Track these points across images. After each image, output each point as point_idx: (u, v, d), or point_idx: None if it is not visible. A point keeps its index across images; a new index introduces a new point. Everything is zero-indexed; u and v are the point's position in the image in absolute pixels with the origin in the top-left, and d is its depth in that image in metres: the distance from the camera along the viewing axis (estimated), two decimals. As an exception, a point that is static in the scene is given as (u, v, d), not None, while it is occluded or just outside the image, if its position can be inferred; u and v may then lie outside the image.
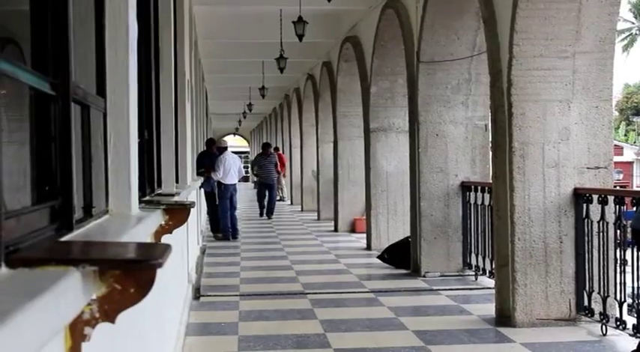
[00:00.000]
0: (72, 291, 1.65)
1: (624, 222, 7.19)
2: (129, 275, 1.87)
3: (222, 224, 16.38)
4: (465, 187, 10.63)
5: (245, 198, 28.26)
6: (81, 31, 2.99)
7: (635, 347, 6.12)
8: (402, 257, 11.45)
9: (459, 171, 10.72)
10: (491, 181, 8.60)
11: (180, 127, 8.40)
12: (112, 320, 1.92)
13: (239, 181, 16.95)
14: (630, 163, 57.39)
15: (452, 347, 6.97)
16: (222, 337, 7.41)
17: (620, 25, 75.49)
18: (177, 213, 4.30)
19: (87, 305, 1.85)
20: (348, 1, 13.68)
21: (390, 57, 13.34)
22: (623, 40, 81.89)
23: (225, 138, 21.74)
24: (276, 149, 24.77)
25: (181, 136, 8.58)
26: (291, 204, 27.65)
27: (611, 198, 7.27)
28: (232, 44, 18.41)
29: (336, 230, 17.72)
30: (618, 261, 7.26)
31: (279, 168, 23.40)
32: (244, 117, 39.34)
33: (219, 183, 16.29)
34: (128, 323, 2.81)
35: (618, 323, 7.06)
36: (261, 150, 23.94)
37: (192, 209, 4.68)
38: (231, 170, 16.24)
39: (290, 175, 28.37)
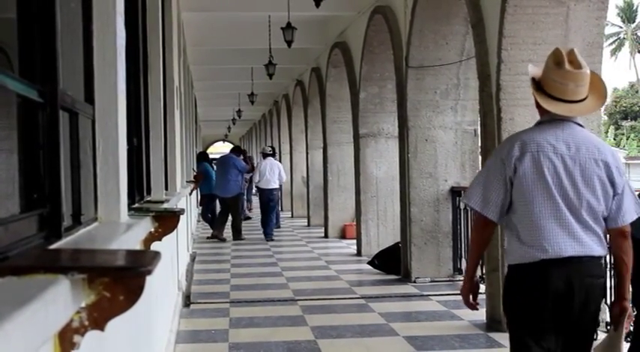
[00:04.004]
0: (61, 299, 1.64)
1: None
2: (118, 283, 1.86)
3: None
4: (455, 192, 10.63)
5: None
6: (69, 37, 2.98)
7: None
8: (392, 262, 11.44)
9: (449, 176, 10.73)
10: (480, 186, 8.59)
11: (169, 134, 8.39)
12: (102, 328, 1.91)
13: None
14: (619, 167, 57.45)
15: (443, 352, 6.97)
16: (213, 344, 7.38)
17: (608, 30, 75.88)
18: (167, 220, 4.29)
19: (76, 313, 1.84)
20: (337, 6, 13.67)
21: (378, 62, 13.34)
22: (611, 44, 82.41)
23: (216, 144, 21.92)
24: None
25: (170, 143, 8.57)
26: (281, 210, 27.59)
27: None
28: (221, 51, 18.41)
29: (326, 236, 17.70)
30: (609, 266, 7.27)
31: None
32: (234, 124, 39.27)
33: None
34: (118, 331, 2.80)
35: (609, 327, 7.06)
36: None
37: (181, 216, 4.67)
38: (266, 175, 17.99)
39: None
